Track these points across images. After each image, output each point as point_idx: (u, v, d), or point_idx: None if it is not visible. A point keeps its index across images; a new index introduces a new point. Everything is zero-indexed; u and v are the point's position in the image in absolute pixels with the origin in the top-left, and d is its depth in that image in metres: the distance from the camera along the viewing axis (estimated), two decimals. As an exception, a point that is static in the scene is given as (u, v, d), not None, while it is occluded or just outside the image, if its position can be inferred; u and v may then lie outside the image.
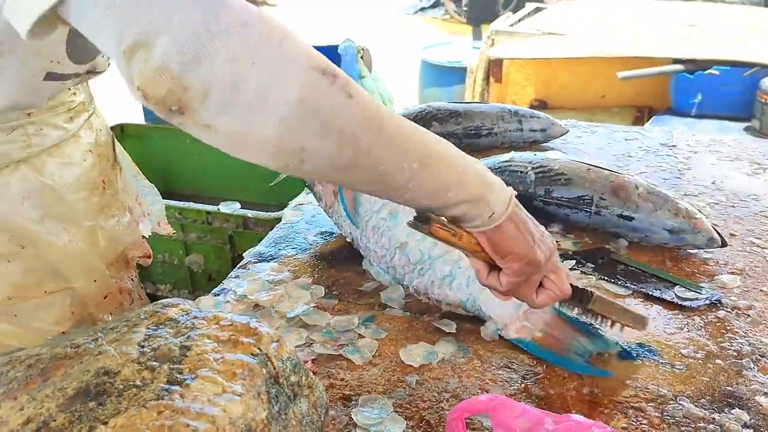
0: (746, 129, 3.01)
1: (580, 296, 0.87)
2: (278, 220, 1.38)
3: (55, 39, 0.83)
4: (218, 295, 1.09)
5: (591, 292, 0.87)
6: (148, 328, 0.70)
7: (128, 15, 0.59)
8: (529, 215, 0.80)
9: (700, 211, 1.19)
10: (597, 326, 0.95)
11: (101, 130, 1.07)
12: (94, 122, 1.05)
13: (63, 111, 0.96)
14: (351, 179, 0.70)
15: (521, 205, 0.78)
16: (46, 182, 0.93)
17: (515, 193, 0.77)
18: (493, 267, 0.80)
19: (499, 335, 0.98)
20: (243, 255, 1.24)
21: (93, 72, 0.96)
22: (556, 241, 1.21)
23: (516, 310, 0.97)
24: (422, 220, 0.76)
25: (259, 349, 0.67)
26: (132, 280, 1.10)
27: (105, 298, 1.02)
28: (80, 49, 0.87)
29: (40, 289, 0.94)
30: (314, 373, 0.79)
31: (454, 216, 0.75)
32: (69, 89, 0.97)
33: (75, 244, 0.97)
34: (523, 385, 0.89)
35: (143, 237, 1.16)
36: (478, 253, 0.79)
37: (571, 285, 0.85)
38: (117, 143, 1.14)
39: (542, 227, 0.81)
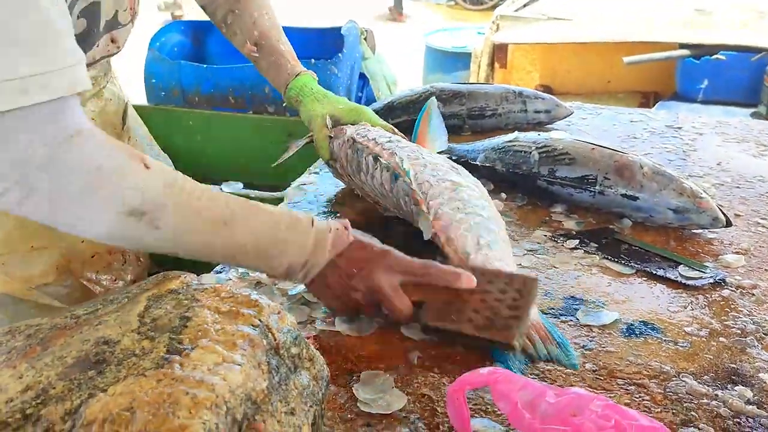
0: (753, 114, 2.99)
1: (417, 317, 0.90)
2: (281, 200, 1.37)
3: None
4: (220, 272, 1.09)
5: (422, 323, 0.90)
6: (149, 300, 0.70)
7: None
8: (354, 257, 0.89)
9: (705, 192, 1.18)
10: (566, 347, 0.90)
11: (111, 99, 1.09)
12: (104, 93, 1.08)
13: None
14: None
15: (349, 251, 0.89)
16: None
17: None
18: None
19: None
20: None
21: (92, 63, 0.98)
22: (560, 222, 1.22)
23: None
24: None
25: (259, 320, 0.67)
26: None
27: (92, 257, 1.06)
28: None
29: (28, 244, 0.99)
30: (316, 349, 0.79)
31: None
32: None
33: None
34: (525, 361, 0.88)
35: None
36: None
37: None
38: (132, 111, 1.17)
39: (367, 266, 0.89)
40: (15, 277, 0.99)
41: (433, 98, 1.41)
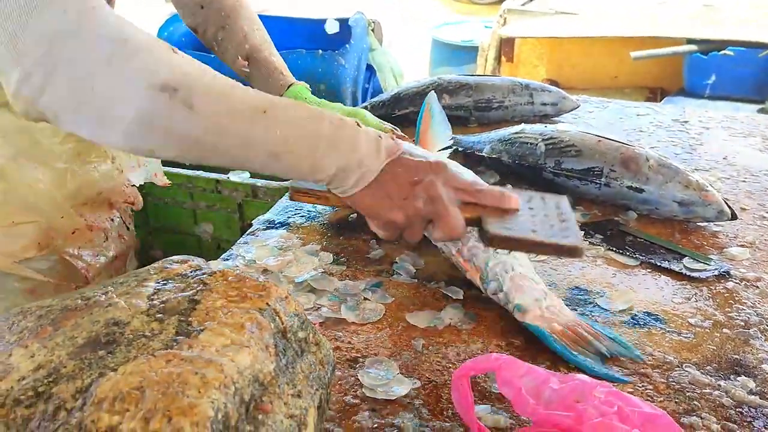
0: (760, 111, 2.98)
1: (481, 237, 0.85)
2: (287, 189, 1.38)
3: None
4: (227, 260, 1.10)
5: (490, 234, 0.83)
6: (157, 283, 0.70)
7: None
8: (412, 164, 0.81)
9: (710, 185, 1.19)
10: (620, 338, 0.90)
11: None
12: None
13: None
14: (205, 163, 0.79)
15: (404, 158, 0.81)
16: (21, 124, 0.98)
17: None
18: None
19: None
20: (252, 223, 1.24)
21: None
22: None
23: (538, 301, 0.92)
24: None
25: (267, 304, 0.67)
26: (112, 220, 1.18)
27: (73, 233, 1.10)
28: None
29: (9, 219, 1.02)
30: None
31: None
32: None
33: (42, 183, 1.04)
34: (529, 350, 0.89)
35: (133, 185, 1.23)
36: (346, 207, 0.86)
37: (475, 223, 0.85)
38: None
39: (426, 177, 0.81)
40: None
41: (432, 93, 1.40)
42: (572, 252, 0.84)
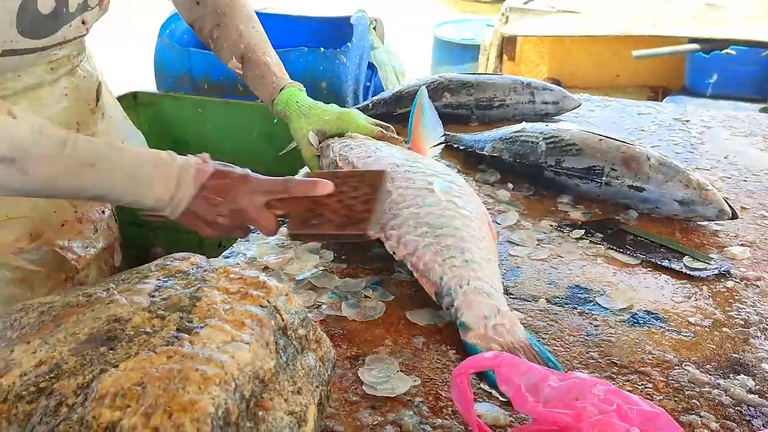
0: (762, 110, 2.97)
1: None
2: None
3: (4, 21, 0.88)
4: (228, 257, 1.10)
5: (287, 232, 0.97)
6: (159, 280, 0.71)
7: None
8: (217, 187, 0.93)
9: (711, 184, 1.19)
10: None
11: (85, 77, 1.12)
12: (79, 70, 1.11)
13: (43, 62, 1.01)
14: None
15: (211, 184, 0.93)
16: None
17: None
18: None
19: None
20: (253, 220, 1.24)
21: (63, 43, 1.00)
22: (566, 212, 1.22)
23: (486, 319, 0.89)
24: None
25: (267, 301, 0.68)
26: (102, 212, 1.18)
27: (62, 225, 1.10)
28: (34, 27, 0.92)
29: (4, 214, 1.03)
30: (322, 331, 0.80)
31: None
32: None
33: None
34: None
35: None
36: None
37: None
38: (106, 89, 1.21)
39: (231, 193, 0.94)
40: None
41: (423, 89, 1.35)
42: (360, 238, 0.94)
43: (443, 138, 1.37)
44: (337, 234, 0.95)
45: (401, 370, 0.85)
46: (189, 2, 1.27)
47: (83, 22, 1.02)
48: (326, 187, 0.96)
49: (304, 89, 1.29)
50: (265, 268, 1.07)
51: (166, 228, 1.76)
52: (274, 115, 1.29)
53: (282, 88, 1.26)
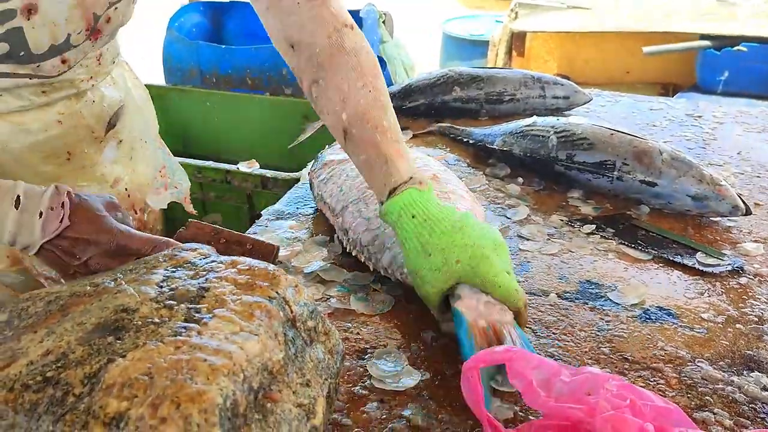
0: (775, 106, 2.95)
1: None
2: (297, 180, 1.37)
3: None
4: (236, 249, 1.10)
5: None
6: (167, 270, 0.70)
7: None
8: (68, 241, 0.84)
9: (724, 180, 1.17)
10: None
11: (95, 102, 1.03)
12: (89, 94, 1.01)
13: (33, 85, 0.92)
14: None
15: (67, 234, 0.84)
16: (2, 141, 0.93)
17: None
18: None
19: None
20: (261, 213, 1.24)
21: (43, 77, 0.92)
22: (577, 207, 1.21)
23: (478, 294, 0.85)
24: None
25: (276, 292, 0.67)
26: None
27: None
28: (8, 56, 0.86)
29: None
30: (330, 324, 0.79)
31: None
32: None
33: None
34: (540, 343, 0.88)
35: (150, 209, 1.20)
36: None
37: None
38: (132, 105, 1.13)
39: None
40: None
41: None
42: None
43: (436, 128, 1.31)
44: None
45: (410, 364, 0.84)
46: (284, 46, 0.96)
47: (63, 61, 0.92)
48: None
49: (430, 186, 0.90)
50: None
51: (173, 220, 1.76)
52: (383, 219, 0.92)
53: (392, 192, 0.89)
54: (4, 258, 1.00)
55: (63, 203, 0.84)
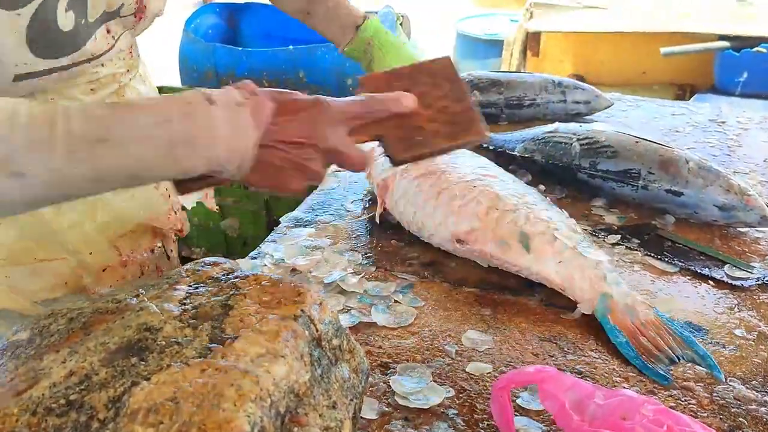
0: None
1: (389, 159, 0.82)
2: (316, 186, 1.36)
3: (13, 42, 0.76)
4: (255, 258, 1.08)
5: (396, 160, 0.81)
6: (189, 286, 0.69)
7: None
8: (289, 125, 0.73)
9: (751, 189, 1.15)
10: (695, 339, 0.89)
11: (134, 98, 1.00)
12: (128, 91, 0.99)
13: (83, 82, 0.90)
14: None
15: (281, 120, 0.72)
16: None
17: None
18: None
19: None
20: (279, 220, 1.22)
21: (94, 59, 0.88)
22: (600, 216, 1.19)
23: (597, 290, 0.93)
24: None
25: (301, 310, 0.65)
26: (152, 251, 1.05)
27: (104, 270, 0.98)
28: (50, 45, 0.80)
29: (31, 255, 0.91)
30: (354, 339, 0.77)
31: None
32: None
33: (68, 215, 0.93)
34: (566, 359, 0.86)
35: (184, 209, 1.11)
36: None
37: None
38: None
39: (309, 129, 0.73)
40: (21, 291, 0.92)
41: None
42: (476, 143, 0.88)
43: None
44: (451, 146, 0.82)
45: (435, 380, 0.82)
46: None
47: (108, 31, 0.89)
48: (410, 100, 0.79)
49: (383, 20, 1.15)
50: (293, 270, 1.05)
51: (190, 225, 1.76)
52: (350, 50, 1.15)
53: (365, 18, 1.12)
54: (62, 284, 0.95)
55: (253, 90, 0.73)
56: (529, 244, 0.98)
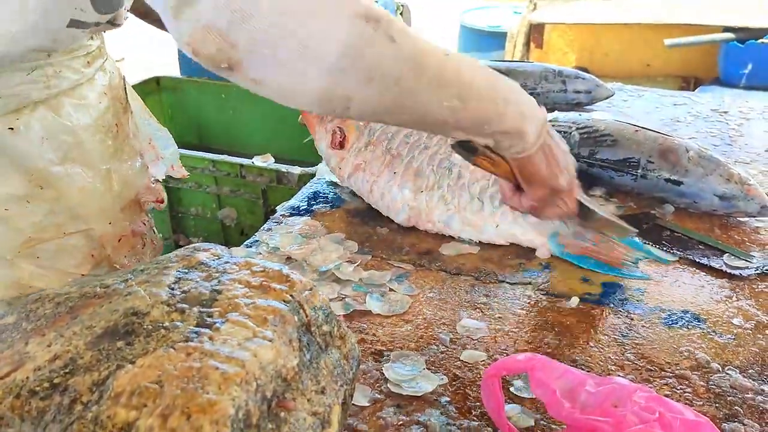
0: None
1: (583, 214, 0.92)
2: (312, 175, 1.35)
3: None
4: (250, 246, 1.08)
5: (592, 210, 0.92)
6: (179, 271, 0.68)
7: None
8: (557, 137, 0.84)
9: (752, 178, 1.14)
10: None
11: (113, 73, 1.03)
12: (107, 66, 1.02)
13: (81, 55, 0.93)
14: (393, 120, 0.74)
15: (552, 130, 0.82)
16: (64, 123, 0.90)
17: (548, 118, 0.80)
18: (518, 188, 0.87)
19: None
20: (276, 209, 1.22)
21: (112, 23, 0.92)
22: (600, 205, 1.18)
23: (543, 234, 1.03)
24: (467, 149, 0.80)
25: (291, 296, 0.65)
26: (144, 224, 1.08)
27: (119, 240, 1.01)
28: None
29: (60, 230, 0.93)
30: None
31: (486, 144, 0.79)
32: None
33: (93, 186, 0.95)
34: (560, 348, 0.86)
35: (157, 181, 1.13)
36: (508, 178, 0.85)
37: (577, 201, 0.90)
38: (128, 86, 1.10)
39: (566, 146, 0.85)
40: (51, 270, 0.93)
41: None
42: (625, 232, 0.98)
43: None
44: (614, 222, 0.97)
45: (428, 368, 0.82)
46: None
47: None
48: None
49: None
50: (288, 258, 1.04)
51: (188, 215, 1.75)
52: None
53: None
54: (89, 258, 0.97)
55: None
56: (462, 217, 1.06)
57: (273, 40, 0.61)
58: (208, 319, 0.60)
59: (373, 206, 1.16)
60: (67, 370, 0.55)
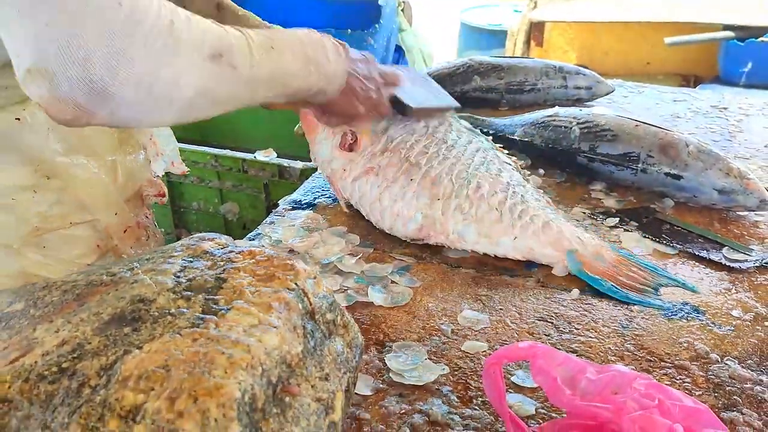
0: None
1: (401, 109, 1.10)
2: (314, 170, 1.36)
3: None
4: (253, 239, 1.08)
5: (409, 106, 1.09)
6: (184, 260, 0.69)
7: (27, 35, 0.63)
8: (362, 70, 1.02)
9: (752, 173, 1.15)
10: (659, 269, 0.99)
11: None
12: None
13: None
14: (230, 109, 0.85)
15: (358, 65, 1.01)
16: None
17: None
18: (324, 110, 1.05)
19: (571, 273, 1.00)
20: (278, 203, 1.22)
21: None
22: (599, 199, 1.19)
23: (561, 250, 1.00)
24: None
25: (295, 284, 0.66)
26: (147, 217, 1.09)
27: (125, 231, 1.03)
28: None
29: (66, 220, 0.94)
30: (349, 316, 0.77)
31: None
32: None
33: (98, 176, 0.97)
34: (561, 338, 0.86)
35: (157, 176, 1.14)
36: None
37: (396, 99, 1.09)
38: None
39: (375, 68, 1.06)
40: (57, 260, 0.95)
41: None
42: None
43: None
44: (442, 108, 1.18)
45: (430, 358, 0.83)
46: None
47: None
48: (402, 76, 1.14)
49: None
50: (291, 251, 1.04)
51: (190, 209, 1.76)
52: None
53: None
54: (94, 248, 0.99)
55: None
56: (479, 229, 1.02)
57: (132, 102, 0.68)
58: (214, 306, 0.61)
59: (373, 218, 1.10)
60: (75, 355, 0.56)
